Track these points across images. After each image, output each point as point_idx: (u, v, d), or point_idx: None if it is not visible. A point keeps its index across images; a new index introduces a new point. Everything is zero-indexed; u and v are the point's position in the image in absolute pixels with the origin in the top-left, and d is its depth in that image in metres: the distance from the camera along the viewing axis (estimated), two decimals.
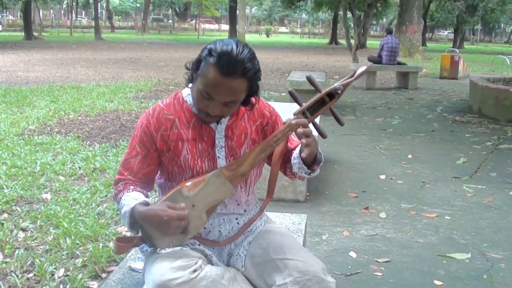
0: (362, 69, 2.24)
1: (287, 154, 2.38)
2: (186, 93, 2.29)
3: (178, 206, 2.03)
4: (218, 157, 2.25)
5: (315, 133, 2.24)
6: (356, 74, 2.21)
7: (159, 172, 2.36)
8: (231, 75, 2.02)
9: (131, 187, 2.22)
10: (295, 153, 2.31)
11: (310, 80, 2.19)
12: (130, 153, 2.27)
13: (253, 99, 2.25)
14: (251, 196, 2.42)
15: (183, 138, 2.23)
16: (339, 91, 2.16)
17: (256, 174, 2.37)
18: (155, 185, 2.40)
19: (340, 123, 2.24)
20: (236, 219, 2.34)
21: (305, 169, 2.30)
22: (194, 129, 2.24)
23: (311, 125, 2.18)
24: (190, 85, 2.21)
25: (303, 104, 2.19)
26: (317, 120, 2.22)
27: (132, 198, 2.13)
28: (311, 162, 2.28)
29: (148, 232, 2.09)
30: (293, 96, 2.20)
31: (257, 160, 2.20)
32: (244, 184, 2.34)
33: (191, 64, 2.16)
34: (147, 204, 2.11)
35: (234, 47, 2.04)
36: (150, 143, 2.25)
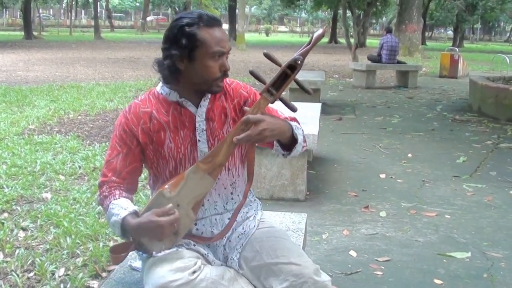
0: (318, 33, 2.20)
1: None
2: (159, 87, 2.32)
3: (166, 209, 2.03)
4: (199, 140, 2.25)
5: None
6: (312, 40, 2.18)
7: (148, 174, 2.36)
8: (220, 23, 2.19)
9: (117, 192, 2.21)
10: None
11: (267, 56, 2.17)
12: (111, 154, 2.26)
13: None
14: (240, 178, 2.40)
15: (164, 127, 2.23)
16: (299, 61, 2.15)
17: (239, 156, 2.37)
18: (146, 188, 2.40)
19: (308, 92, 2.26)
20: (229, 218, 2.34)
21: (280, 150, 2.35)
22: (174, 116, 2.25)
23: (280, 102, 2.18)
24: (160, 84, 2.31)
25: (267, 82, 2.17)
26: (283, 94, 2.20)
27: (121, 208, 2.12)
28: (287, 143, 2.29)
29: (140, 241, 2.10)
30: (254, 75, 2.20)
31: (231, 148, 2.16)
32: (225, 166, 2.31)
33: (171, 56, 2.17)
34: (136, 213, 2.11)
35: (193, 11, 2.20)
36: (130, 140, 2.24)
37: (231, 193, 2.37)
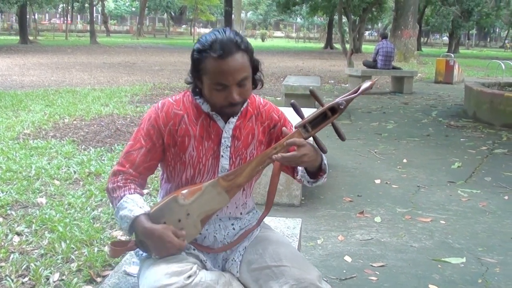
0: (366, 84, 2.21)
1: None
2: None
3: (180, 233, 2.07)
4: (222, 156, 2.25)
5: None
6: (360, 90, 2.19)
7: (161, 172, 2.37)
8: (230, 54, 2.09)
9: (132, 185, 2.20)
10: None
11: (313, 93, 2.18)
12: (134, 146, 2.25)
13: (260, 77, 2.30)
14: (249, 199, 2.42)
15: (190, 134, 2.23)
16: (342, 106, 2.15)
17: (256, 176, 2.37)
18: (156, 185, 2.40)
19: (342, 138, 2.24)
20: (232, 224, 2.35)
21: (307, 177, 2.33)
22: (202, 126, 2.24)
23: (311, 139, 2.18)
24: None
25: (305, 116, 2.18)
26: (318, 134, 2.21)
27: (136, 205, 2.12)
28: (314, 171, 2.30)
29: (143, 240, 2.10)
30: (295, 108, 2.18)
31: (255, 171, 2.20)
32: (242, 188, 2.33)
33: (190, 74, 2.21)
34: (149, 214, 2.12)
35: (217, 33, 2.13)
36: (156, 137, 2.24)
37: (241, 213, 2.39)
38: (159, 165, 2.34)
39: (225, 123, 2.26)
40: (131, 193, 2.17)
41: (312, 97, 2.19)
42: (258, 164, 2.19)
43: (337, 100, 2.16)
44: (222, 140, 2.25)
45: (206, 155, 2.24)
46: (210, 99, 2.18)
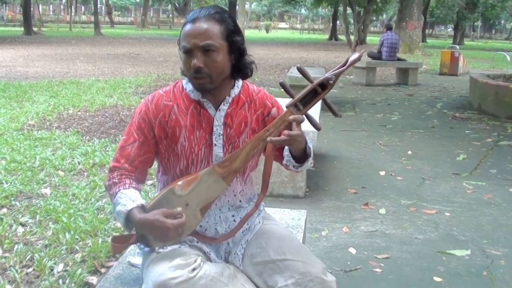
0: (354, 56, 2.19)
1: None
2: (186, 81, 2.30)
3: (174, 212, 2.03)
4: (215, 144, 2.23)
5: (308, 127, 2.21)
6: (348, 62, 2.17)
7: (157, 165, 2.36)
8: (197, 20, 2.14)
9: (127, 181, 2.20)
10: None
11: (301, 70, 2.16)
12: (127, 140, 2.25)
13: (249, 64, 2.28)
14: (248, 186, 2.40)
15: (181, 124, 2.22)
16: (331, 81, 2.13)
17: (251, 164, 2.36)
18: (154, 180, 2.39)
19: (335, 114, 2.22)
20: (233, 216, 2.33)
21: (293, 162, 2.31)
22: (193, 115, 2.23)
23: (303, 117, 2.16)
24: (186, 79, 2.29)
25: (295, 95, 2.15)
26: (310, 111, 2.19)
27: (129, 199, 2.11)
28: (300, 155, 2.27)
29: (143, 233, 2.09)
30: (284, 87, 2.17)
31: (250, 155, 2.17)
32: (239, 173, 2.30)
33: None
34: (143, 207, 2.10)
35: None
36: (148, 130, 2.24)
37: (240, 201, 2.36)
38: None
39: (216, 110, 2.24)
40: (126, 188, 2.17)
41: (299, 73, 2.15)
42: (252, 147, 2.16)
43: (326, 75, 2.14)
44: (214, 129, 2.23)
45: (198, 144, 2.23)
46: (183, 67, 2.21)
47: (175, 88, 2.31)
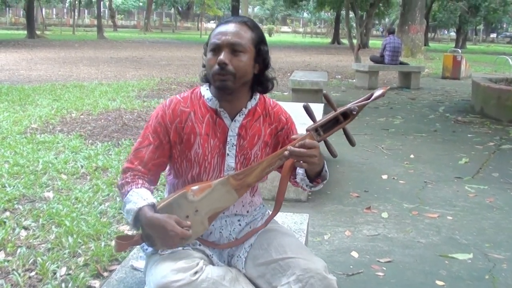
0: (379, 92, 2.22)
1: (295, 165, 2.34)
2: (204, 89, 2.32)
3: (185, 223, 2.06)
4: (228, 154, 2.26)
5: (325, 151, 2.23)
6: (372, 97, 2.20)
7: (168, 168, 2.38)
8: (230, 21, 2.23)
9: (140, 180, 2.21)
10: None
11: (326, 97, 2.19)
12: (142, 143, 2.27)
13: (271, 77, 2.33)
14: (256, 197, 2.43)
15: (196, 131, 2.24)
16: (354, 112, 2.15)
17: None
18: (161, 181, 2.40)
19: (352, 143, 2.24)
20: (239, 220, 2.35)
21: (307, 181, 2.32)
22: (208, 124, 2.25)
23: (322, 143, 2.18)
24: (205, 86, 2.32)
25: (317, 120, 2.18)
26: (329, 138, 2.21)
27: (141, 197, 2.12)
28: (314, 176, 2.30)
29: (149, 233, 2.10)
30: (307, 111, 2.18)
31: (265, 172, 2.21)
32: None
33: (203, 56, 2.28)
34: (154, 206, 2.12)
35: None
36: (163, 134, 2.25)
37: (247, 211, 2.39)
38: None
39: (232, 121, 2.27)
40: (138, 187, 2.18)
41: (325, 100, 2.19)
42: (268, 164, 2.20)
43: (350, 105, 2.16)
44: (228, 138, 2.26)
45: (211, 153, 2.25)
46: (207, 66, 2.22)
47: (192, 95, 2.32)
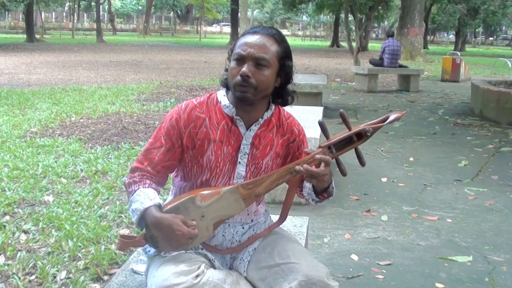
0: (394, 116, 2.26)
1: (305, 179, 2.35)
2: (221, 95, 2.32)
3: (190, 223, 2.07)
4: (239, 162, 2.27)
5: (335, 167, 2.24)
6: (388, 120, 2.24)
7: (175, 170, 2.38)
8: (257, 32, 2.22)
9: (147, 181, 2.22)
10: None
11: (343, 116, 2.20)
12: (154, 144, 2.27)
13: (292, 91, 2.34)
14: (261, 205, 2.44)
15: (210, 138, 2.24)
16: (369, 134, 2.18)
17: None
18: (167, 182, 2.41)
19: (362, 163, 2.27)
20: (241, 225, 2.36)
21: (313, 196, 2.35)
22: (223, 131, 2.26)
23: (333, 161, 2.19)
24: (223, 93, 2.33)
25: (331, 138, 2.20)
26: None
27: (147, 197, 2.13)
28: (321, 191, 2.31)
29: (153, 234, 2.10)
30: (322, 127, 2.20)
31: (274, 184, 2.21)
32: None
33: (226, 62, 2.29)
34: (160, 206, 2.12)
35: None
36: (176, 138, 2.26)
37: (252, 220, 2.40)
38: None
39: (247, 130, 2.27)
40: (145, 187, 2.19)
41: (341, 118, 2.20)
42: (279, 177, 2.21)
43: (364, 126, 2.19)
44: (241, 147, 2.27)
45: (224, 160, 2.25)
46: (230, 74, 2.22)
47: (209, 100, 2.32)
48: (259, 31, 2.21)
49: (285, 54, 2.24)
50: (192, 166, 2.28)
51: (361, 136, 2.20)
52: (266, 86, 2.20)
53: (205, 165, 2.25)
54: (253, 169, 2.30)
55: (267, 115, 2.31)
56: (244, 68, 2.15)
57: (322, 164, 2.14)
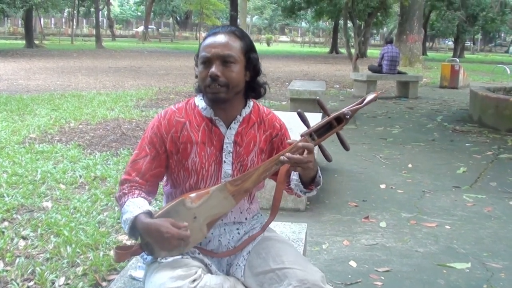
0: (370, 96, 2.27)
1: (290, 170, 2.37)
2: (198, 99, 2.35)
3: (181, 224, 2.07)
4: (224, 161, 2.28)
5: (320, 156, 2.26)
6: (365, 101, 2.24)
7: (165, 178, 2.39)
8: (218, 32, 2.25)
9: (136, 191, 2.23)
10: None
11: (319, 103, 2.23)
12: (139, 154, 2.29)
13: (263, 83, 2.36)
14: (253, 204, 2.45)
15: (192, 140, 2.26)
16: (347, 116, 2.19)
17: (259, 185, 2.38)
18: (159, 190, 2.42)
19: (346, 148, 2.27)
20: (237, 229, 2.37)
21: (301, 187, 2.36)
22: (204, 132, 2.28)
23: (316, 148, 2.21)
24: (199, 97, 2.35)
25: (311, 126, 2.21)
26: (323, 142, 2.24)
27: (136, 206, 2.14)
28: (308, 182, 2.33)
29: (148, 241, 2.11)
30: (301, 117, 2.22)
31: (261, 177, 2.23)
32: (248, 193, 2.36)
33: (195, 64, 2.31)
34: (150, 214, 2.13)
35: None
36: (159, 145, 2.28)
37: (246, 218, 2.41)
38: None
39: (227, 128, 2.29)
40: (134, 197, 2.20)
41: (318, 106, 2.22)
42: (265, 170, 2.22)
43: (343, 110, 2.20)
44: (224, 146, 2.29)
45: (208, 161, 2.27)
46: (199, 79, 2.25)
47: (187, 105, 2.35)
48: (219, 31, 2.25)
49: (249, 48, 2.29)
50: (179, 171, 2.30)
51: (340, 120, 2.21)
52: (237, 82, 2.23)
53: (191, 168, 2.27)
54: (239, 166, 2.31)
55: (245, 112, 2.34)
56: (213, 69, 2.18)
57: (306, 152, 2.15)
